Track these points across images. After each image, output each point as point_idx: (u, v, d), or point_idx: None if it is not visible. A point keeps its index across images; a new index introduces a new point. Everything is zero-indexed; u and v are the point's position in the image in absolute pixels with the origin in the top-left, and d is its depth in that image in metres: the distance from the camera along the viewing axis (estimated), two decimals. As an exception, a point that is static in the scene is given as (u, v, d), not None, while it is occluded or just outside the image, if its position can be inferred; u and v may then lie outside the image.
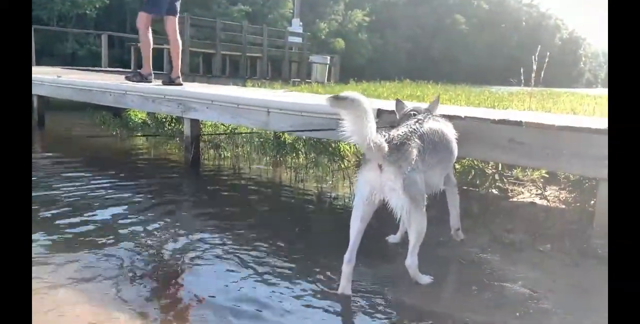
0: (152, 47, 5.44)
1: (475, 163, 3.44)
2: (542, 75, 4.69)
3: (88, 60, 17.73)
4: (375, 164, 2.02)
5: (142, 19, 5.26)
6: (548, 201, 3.20)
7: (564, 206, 3.12)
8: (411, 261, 2.14)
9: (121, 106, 5.45)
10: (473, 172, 3.45)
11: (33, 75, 6.28)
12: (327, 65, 16.09)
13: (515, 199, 3.34)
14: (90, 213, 3.15)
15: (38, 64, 11.34)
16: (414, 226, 2.09)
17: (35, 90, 6.43)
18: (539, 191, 3.36)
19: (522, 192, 3.43)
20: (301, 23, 18.31)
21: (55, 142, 6.26)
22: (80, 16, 25.07)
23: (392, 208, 2.04)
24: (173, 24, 5.36)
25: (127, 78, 5.68)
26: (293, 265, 2.41)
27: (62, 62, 13.93)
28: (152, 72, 5.57)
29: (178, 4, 5.40)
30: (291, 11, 20.39)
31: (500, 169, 3.46)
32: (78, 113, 7.72)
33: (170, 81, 5.37)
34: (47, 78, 6.39)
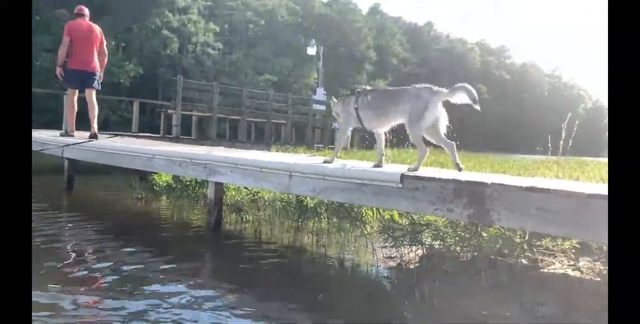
0: (75, 112, 7.09)
1: (503, 231, 3.34)
2: (570, 143, 4.66)
3: (119, 126, 18.40)
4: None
5: (69, 93, 7.03)
6: (581, 272, 3.05)
7: (599, 279, 2.96)
8: None
9: (149, 169, 5.55)
10: (501, 241, 3.34)
11: (63, 139, 6.59)
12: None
13: (545, 270, 3.19)
14: (103, 269, 3.13)
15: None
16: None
17: (66, 153, 6.57)
18: (571, 262, 3.21)
19: (553, 263, 3.29)
20: (325, 92, 18.89)
21: (80, 204, 6.35)
22: (115, 84, 26.43)
23: None
24: (90, 94, 6.92)
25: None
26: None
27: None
28: (74, 129, 7.28)
29: (94, 79, 6.86)
30: (316, 81, 21.15)
31: (528, 238, 3.34)
32: (106, 177, 7.87)
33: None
34: (70, 141, 6.47)
